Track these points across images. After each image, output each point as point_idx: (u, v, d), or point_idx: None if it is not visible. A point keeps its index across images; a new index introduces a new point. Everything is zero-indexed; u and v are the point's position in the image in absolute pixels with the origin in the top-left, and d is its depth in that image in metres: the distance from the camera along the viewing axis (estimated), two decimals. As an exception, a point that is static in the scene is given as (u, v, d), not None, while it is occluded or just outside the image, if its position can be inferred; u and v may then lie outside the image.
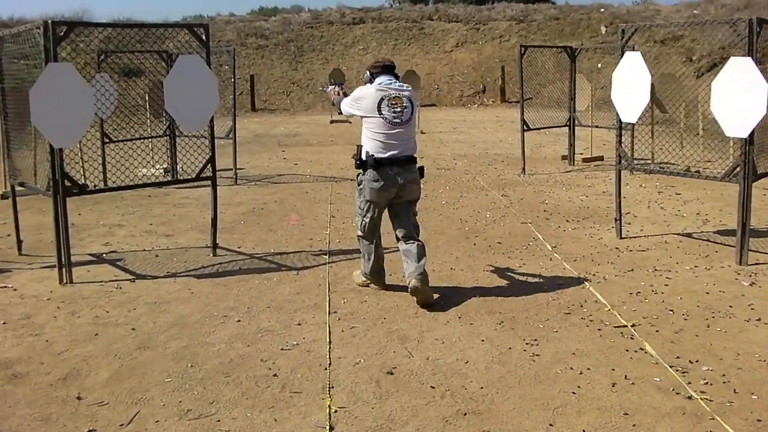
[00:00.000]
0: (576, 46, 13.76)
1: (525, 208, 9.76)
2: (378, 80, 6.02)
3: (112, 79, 10.89)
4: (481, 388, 4.45)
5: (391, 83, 5.98)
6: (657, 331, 5.34)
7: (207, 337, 5.35)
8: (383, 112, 5.85)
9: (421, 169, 6.00)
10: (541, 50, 14.28)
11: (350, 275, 6.76)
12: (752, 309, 5.75)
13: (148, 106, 12.41)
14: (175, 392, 4.47)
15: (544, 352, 4.98)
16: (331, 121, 23.26)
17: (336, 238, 8.23)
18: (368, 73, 6.13)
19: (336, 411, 4.18)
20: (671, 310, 5.76)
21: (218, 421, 4.09)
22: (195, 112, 7.27)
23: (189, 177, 7.77)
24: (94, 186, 10.93)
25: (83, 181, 11.48)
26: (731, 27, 6.94)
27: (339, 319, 5.68)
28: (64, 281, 6.68)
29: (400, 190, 5.89)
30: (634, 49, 8.03)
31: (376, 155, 5.82)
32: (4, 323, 5.68)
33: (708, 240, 7.92)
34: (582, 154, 14.44)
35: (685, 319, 5.57)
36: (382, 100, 5.88)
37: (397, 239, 6.00)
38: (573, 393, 4.35)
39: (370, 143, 5.88)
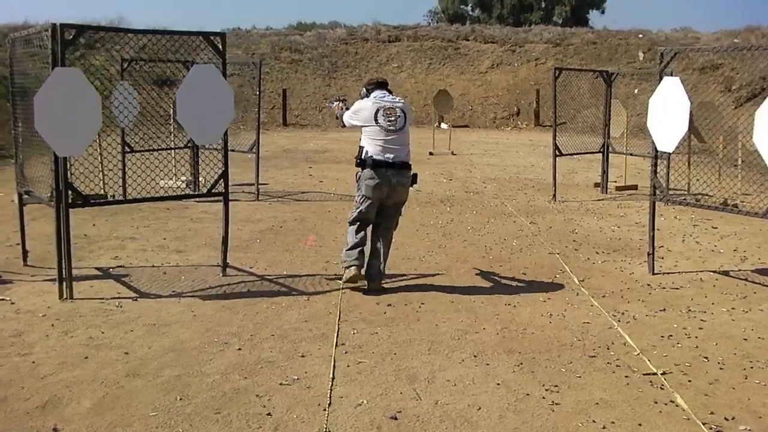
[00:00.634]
0: (613, 71, 13.30)
1: (554, 237, 9.38)
2: (373, 94, 6.91)
3: (137, 87, 10.64)
4: (493, 440, 4.02)
5: (384, 96, 6.87)
6: (689, 381, 4.88)
7: (203, 366, 4.97)
8: (379, 121, 6.70)
9: (415, 176, 6.83)
10: (576, 74, 13.91)
11: (364, 303, 6.39)
12: (795, 360, 5.27)
13: (172, 117, 12.16)
14: (159, 428, 4.09)
15: (565, 400, 4.54)
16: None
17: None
18: (364, 89, 7.07)
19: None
20: (706, 358, 5.30)
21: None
22: (209, 124, 6.95)
23: (202, 192, 7.40)
24: (113, 197, 10.72)
25: (104, 191, 11.26)
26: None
27: (346, 353, 5.28)
28: (64, 296, 6.36)
29: (391, 191, 6.68)
30: (672, 75, 7.58)
31: (375, 157, 6.64)
32: (-8, 341, 5.36)
33: (746, 279, 7.45)
34: (615, 182, 14.06)
35: (721, 369, 5.10)
36: (378, 110, 6.75)
37: (374, 231, 6.84)
38: (594, 451, 3.91)
39: (370, 147, 6.69)
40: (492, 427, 4.18)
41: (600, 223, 10.36)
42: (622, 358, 5.25)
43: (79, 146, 6.27)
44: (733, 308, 6.49)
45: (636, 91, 25.60)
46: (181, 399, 4.46)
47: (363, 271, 6.67)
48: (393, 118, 6.77)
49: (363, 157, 6.69)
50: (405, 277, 7.26)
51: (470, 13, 52.45)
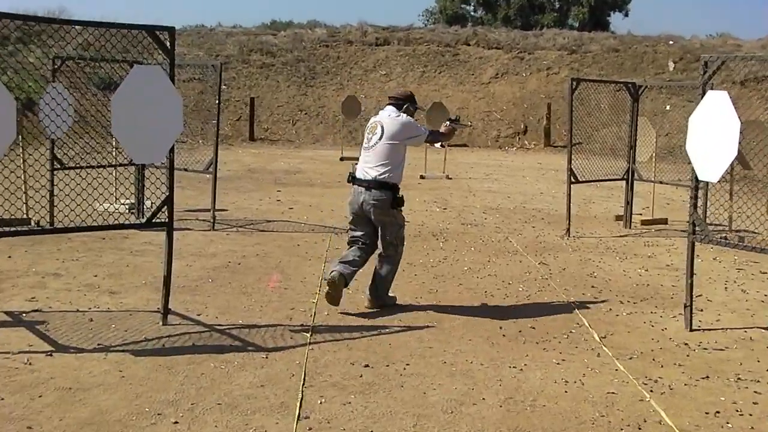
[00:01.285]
0: (641, 83, 13.08)
1: (568, 281, 9.10)
2: (380, 111, 7.82)
3: (74, 91, 10.28)
4: None
5: (383, 113, 7.70)
6: (743, 473, 4.49)
7: (127, 446, 4.54)
8: (364, 139, 7.67)
9: (395, 198, 7.47)
10: (595, 86, 13.68)
11: (335, 363, 6.03)
12: None
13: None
14: None
15: (587, 499, 4.13)
16: (342, 158, 22.98)
17: (325, 309, 7.55)
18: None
19: None
20: (762, 442, 4.92)
21: None
22: (151, 139, 6.58)
23: (139, 222, 7.01)
24: (37, 222, 10.31)
25: (26, 215, 10.85)
26: None
27: (310, 429, 4.87)
28: (-39, 350, 5.92)
29: (363, 210, 7.49)
30: (713, 88, 7.24)
31: (353, 174, 7.60)
32: None
33: (805, 339, 7.10)
34: (641, 214, 13.90)
35: (782, 457, 4.72)
36: (367, 128, 7.70)
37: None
38: None
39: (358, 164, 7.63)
40: None
41: (624, 265, 10.10)
42: (657, 441, 4.87)
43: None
44: (791, 376, 6.13)
45: (667, 107, 25.45)
46: (93, 491, 4.02)
47: (344, 282, 7.44)
48: (370, 135, 7.56)
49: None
50: (386, 330, 6.95)
51: (472, 13, 52.52)
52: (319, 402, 5.32)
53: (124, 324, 6.83)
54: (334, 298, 7.40)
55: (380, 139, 7.47)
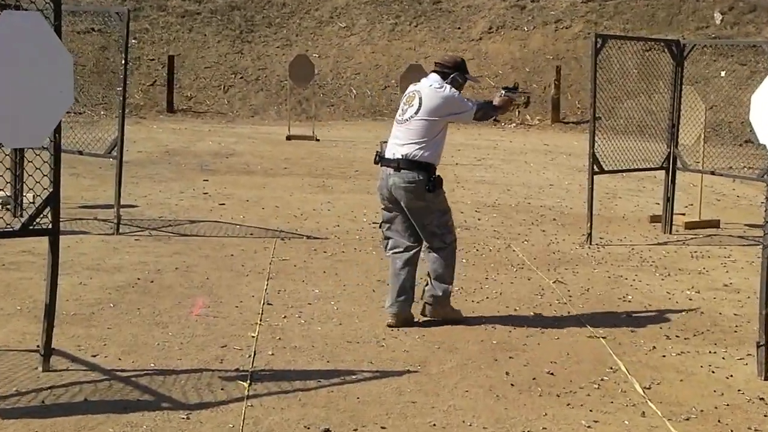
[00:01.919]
0: (687, 42, 12.89)
1: (594, 306, 8.96)
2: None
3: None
4: None
5: (422, 83, 8.14)
6: None
7: None
8: (397, 112, 8.14)
9: (431, 179, 7.80)
10: (618, 45, 13.44)
11: (281, 425, 5.79)
12: None
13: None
14: None
15: None
16: (289, 137, 23.05)
17: (268, 347, 7.31)
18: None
19: None
20: None
21: None
22: (29, 113, 6.21)
23: (10, 228, 6.60)
24: None
25: None
26: None
27: None
28: None
29: (392, 194, 7.91)
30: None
31: (381, 153, 8.05)
32: None
33: None
34: (685, 214, 13.82)
35: None
36: (403, 97, 8.15)
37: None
38: None
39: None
40: None
41: (667, 285, 9.97)
42: None
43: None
44: None
45: (723, 73, 25.31)
46: None
47: (404, 315, 7.96)
48: (406, 107, 7.98)
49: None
50: (353, 377, 6.71)
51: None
52: (260, 485, 4.98)
53: (-12, 370, 6.55)
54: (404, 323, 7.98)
55: (416, 112, 7.85)
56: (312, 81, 24.35)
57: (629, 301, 9.17)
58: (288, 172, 17.41)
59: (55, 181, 6.49)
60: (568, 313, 8.68)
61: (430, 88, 7.92)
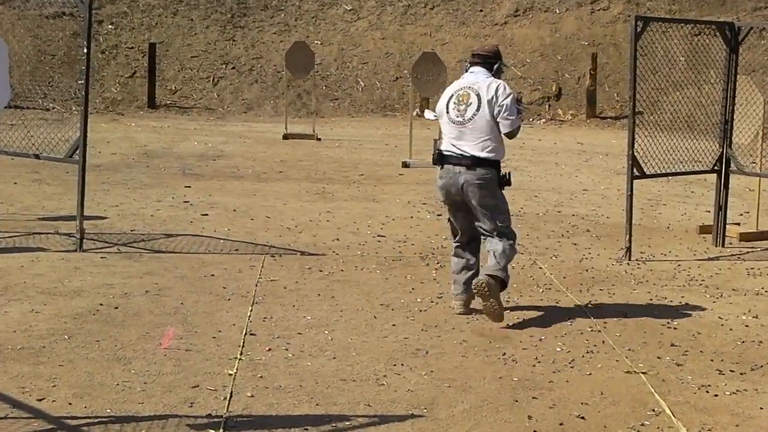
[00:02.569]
0: (741, 24, 12.73)
1: (633, 336, 8.72)
2: (465, 74, 9.13)
3: None
4: None
5: (471, 77, 8.98)
6: None
7: None
8: (450, 112, 8.93)
9: (502, 175, 8.91)
10: (664, 28, 13.22)
11: None
12: None
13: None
14: None
15: None
16: (286, 136, 23.11)
17: (248, 386, 7.08)
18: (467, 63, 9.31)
19: None
20: None
21: None
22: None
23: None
24: None
25: None
26: None
27: None
28: None
29: (462, 192, 8.81)
30: None
31: (443, 152, 8.94)
32: None
33: None
34: (740, 224, 13.76)
35: None
36: (451, 98, 8.95)
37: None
38: None
39: (443, 142, 9.06)
40: None
41: (719, 309, 9.75)
42: None
43: None
44: None
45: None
46: None
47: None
48: (463, 106, 8.82)
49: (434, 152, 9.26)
50: (347, 422, 6.56)
51: None
52: None
53: None
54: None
55: (478, 109, 8.74)
56: (313, 71, 24.31)
57: (675, 329, 8.96)
58: (283, 177, 17.33)
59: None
60: (603, 342, 8.49)
61: (485, 83, 8.77)
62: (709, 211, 13.54)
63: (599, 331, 8.77)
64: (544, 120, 28.51)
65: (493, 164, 8.83)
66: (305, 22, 30.81)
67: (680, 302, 9.86)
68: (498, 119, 8.79)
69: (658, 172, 12.44)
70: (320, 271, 10.51)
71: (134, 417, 6.43)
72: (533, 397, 7.05)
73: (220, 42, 30.10)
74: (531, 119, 28.30)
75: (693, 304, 9.78)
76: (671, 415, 6.82)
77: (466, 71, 9.11)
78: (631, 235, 11.79)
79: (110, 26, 28.80)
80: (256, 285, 9.91)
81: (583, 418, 6.73)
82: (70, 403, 6.60)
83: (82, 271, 10.18)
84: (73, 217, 11.81)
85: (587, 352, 8.16)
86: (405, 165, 18.86)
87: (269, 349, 7.93)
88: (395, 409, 6.74)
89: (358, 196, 15.46)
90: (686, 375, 7.68)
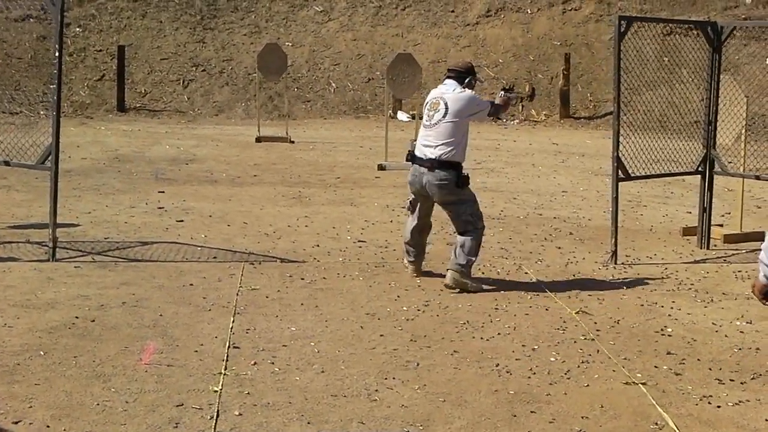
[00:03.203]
0: (725, 23, 12.73)
1: (627, 343, 8.59)
2: (440, 86, 10.40)
3: None
4: None
5: (443, 88, 10.27)
6: None
7: None
8: (423, 117, 10.33)
9: (459, 176, 9.97)
10: (638, 27, 13.01)
11: None
12: None
13: None
14: None
15: None
16: (259, 139, 23.08)
17: (235, 404, 6.85)
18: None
19: None
20: None
21: None
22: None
23: None
24: None
25: None
26: None
27: None
28: None
29: (426, 191, 10.06)
30: None
31: (415, 152, 10.24)
32: None
33: None
34: (723, 225, 13.64)
35: None
36: (426, 104, 10.33)
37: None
38: None
39: (417, 142, 10.37)
40: None
41: (711, 314, 9.63)
42: None
43: None
44: None
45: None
46: None
47: (419, 267, 10.62)
48: (432, 112, 10.12)
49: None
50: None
51: None
52: None
53: None
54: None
55: (444, 116, 9.99)
56: (284, 73, 24.24)
57: (669, 336, 8.81)
58: (258, 181, 17.19)
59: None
60: (598, 351, 8.31)
61: (454, 93, 10.10)
62: (690, 212, 13.53)
63: (592, 339, 8.63)
64: (518, 120, 28.49)
65: (451, 166, 9.97)
66: (276, 24, 30.71)
67: (672, 307, 9.74)
68: (471, 117, 10.25)
69: (639, 173, 12.25)
70: (302, 278, 10.29)
71: (115, 440, 6.23)
72: (531, 412, 6.88)
73: (190, 44, 29.99)
74: (505, 119, 28.29)
75: (684, 310, 9.67)
76: (675, 428, 6.67)
77: (443, 83, 10.38)
78: (616, 239, 11.68)
79: (78, 29, 28.58)
80: (237, 294, 9.71)
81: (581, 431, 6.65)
82: (48, 426, 6.40)
83: (55, 282, 9.95)
84: (44, 225, 11.65)
85: (582, 362, 8.00)
86: (381, 168, 18.76)
87: (255, 363, 7.75)
88: (390, 426, 6.57)
89: (335, 200, 15.29)
90: (686, 385, 7.54)
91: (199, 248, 11.74)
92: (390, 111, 25.46)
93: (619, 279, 10.86)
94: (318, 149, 21.82)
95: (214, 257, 11.33)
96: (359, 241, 11.99)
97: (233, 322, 8.78)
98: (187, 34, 30.10)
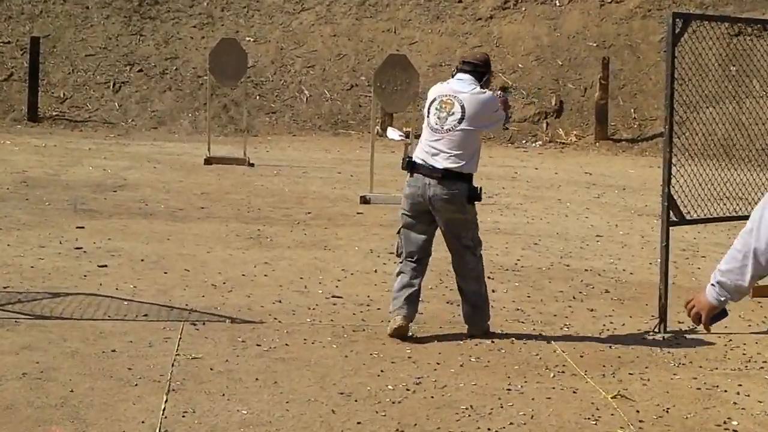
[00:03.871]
0: None
1: None
2: (450, 80, 10.69)
3: None
4: None
5: (455, 82, 10.53)
6: None
7: None
8: (430, 116, 10.47)
9: (473, 189, 10.43)
10: (700, 28, 13.05)
11: None
12: None
13: None
14: None
15: None
16: (208, 160, 23.21)
17: None
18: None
19: None
20: None
21: None
22: None
23: None
24: None
25: None
26: None
27: None
28: None
29: (431, 205, 10.30)
30: None
31: (416, 160, 10.42)
32: None
33: None
34: None
35: None
36: (434, 101, 10.49)
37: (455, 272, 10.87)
38: None
39: (417, 148, 10.63)
40: None
41: None
42: None
43: None
44: None
45: None
46: None
47: (408, 323, 10.54)
48: (444, 114, 10.32)
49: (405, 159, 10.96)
50: None
51: None
52: None
53: None
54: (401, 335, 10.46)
55: (459, 122, 10.27)
56: (244, 77, 24.34)
57: (734, 431, 8.71)
58: (205, 215, 17.28)
59: None
60: (638, 451, 8.27)
61: (471, 93, 10.37)
62: (765, 266, 13.31)
63: (631, 433, 8.64)
64: (541, 142, 28.64)
65: (464, 178, 10.39)
66: (234, 14, 30.92)
67: (737, 393, 9.60)
68: (488, 130, 11.24)
69: (697, 215, 12.28)
70: (258, 345, 10.26)
71: None
72: None
73: (124, 37, 30.20)
74: (524, 141, 28.34)
75: (754, 396, 9.54)
76: None
77: (453, 76, 10.67)
78: (666, 300, 11.61)
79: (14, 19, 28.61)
80: (173, 365, 9.63)
81: None
82: None
83: (-63, 347, 9.95)
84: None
85: (621, 466, 8.00)
86: (365, 200, 18.83)
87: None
88: None
89: (304, 241, 15.39)
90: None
91: (125, 303, 11.66)
92: (378, 127, 25.49)
93: (669, 353, 10.77)
94: (284, 175, 22.04)
95: (145, 315, 11.25)
96: (334, 296, 11.99)
97: (166, 401, 8.66)
98: (120, 25, 30.30)
